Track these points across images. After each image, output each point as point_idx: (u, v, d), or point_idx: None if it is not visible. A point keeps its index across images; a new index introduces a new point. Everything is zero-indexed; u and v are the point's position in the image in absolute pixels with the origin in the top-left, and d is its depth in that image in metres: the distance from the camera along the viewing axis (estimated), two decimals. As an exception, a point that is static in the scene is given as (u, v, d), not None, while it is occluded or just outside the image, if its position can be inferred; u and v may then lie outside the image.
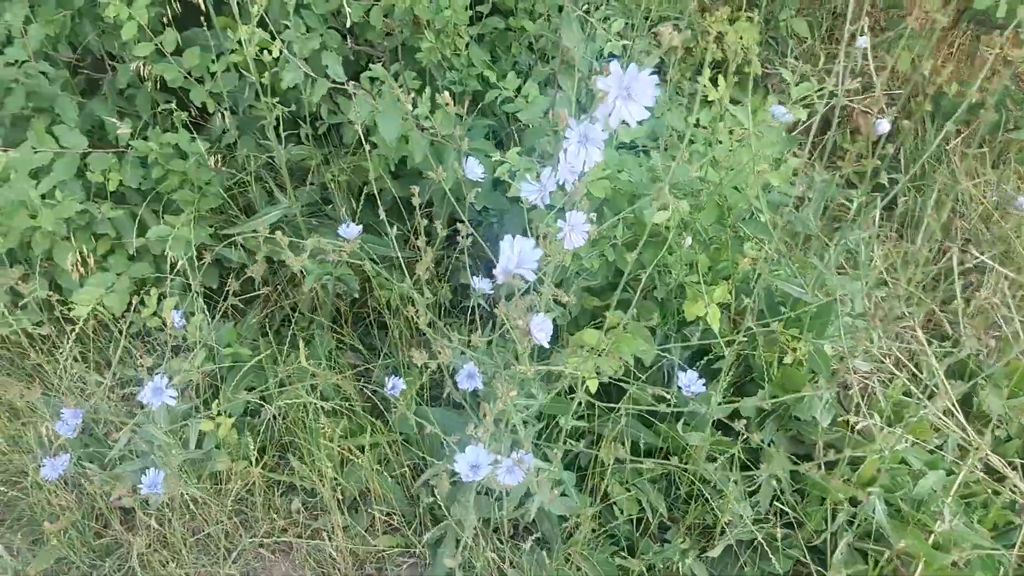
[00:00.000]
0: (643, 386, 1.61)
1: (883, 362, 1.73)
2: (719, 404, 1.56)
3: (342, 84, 1.94)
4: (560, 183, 0.91)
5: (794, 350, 1.68)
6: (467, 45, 2.16)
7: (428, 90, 1.87)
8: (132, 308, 1.81)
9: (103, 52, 2.04)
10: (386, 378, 1.54)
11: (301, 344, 1.67)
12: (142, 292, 1.79)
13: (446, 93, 1.37)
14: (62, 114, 1.84)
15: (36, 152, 1.75)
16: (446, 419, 1.70)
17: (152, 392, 1.44)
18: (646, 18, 2.06)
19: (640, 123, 0.83)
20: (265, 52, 1.79)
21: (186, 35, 1.97)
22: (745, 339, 1.48)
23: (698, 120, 1.88)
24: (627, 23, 1.91)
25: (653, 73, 0.82)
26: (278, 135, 1.85)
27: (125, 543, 1.60)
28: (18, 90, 1.75)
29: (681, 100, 2.27)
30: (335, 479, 1.66)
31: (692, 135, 1.87)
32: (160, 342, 1.92)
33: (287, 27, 1.95)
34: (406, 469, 1.75)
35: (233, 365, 1.85)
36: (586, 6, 1.80)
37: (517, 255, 0.97)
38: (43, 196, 1.76)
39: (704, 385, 1.51)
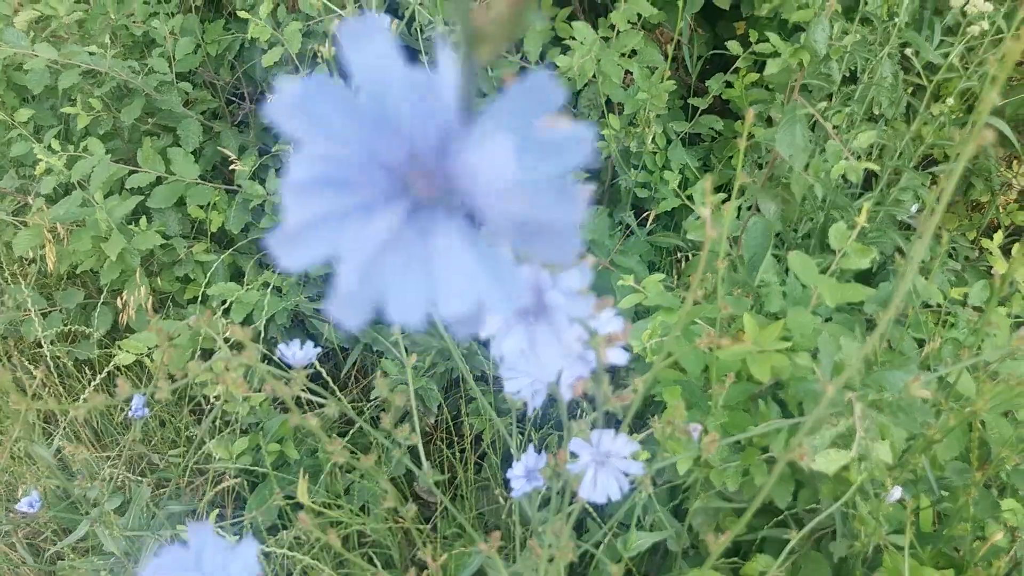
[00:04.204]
0: None
1: None
2: None
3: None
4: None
5: None
6: (668, 143, 1.71)
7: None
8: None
9: (262, 81, 1.84)
10: None
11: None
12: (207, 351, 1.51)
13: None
14: (182, 137, 1.63)
15: (135, 172, 1.54)
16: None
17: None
18: (915, 149, 1.47)
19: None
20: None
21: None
22: None
23: (965, 297, 1.26)
24: (883, 144, 1.35)
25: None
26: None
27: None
28: (136, 101, 1.56)
29: (953, 264, 1.65)
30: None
31: (952, 314, 1.25)
32: (216, 417, 1.61)
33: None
34: None
35: (266, 474, 1.48)
36: (825, 108, 1.27)
37: None
38: (130, 222, 1.55)
39: None
